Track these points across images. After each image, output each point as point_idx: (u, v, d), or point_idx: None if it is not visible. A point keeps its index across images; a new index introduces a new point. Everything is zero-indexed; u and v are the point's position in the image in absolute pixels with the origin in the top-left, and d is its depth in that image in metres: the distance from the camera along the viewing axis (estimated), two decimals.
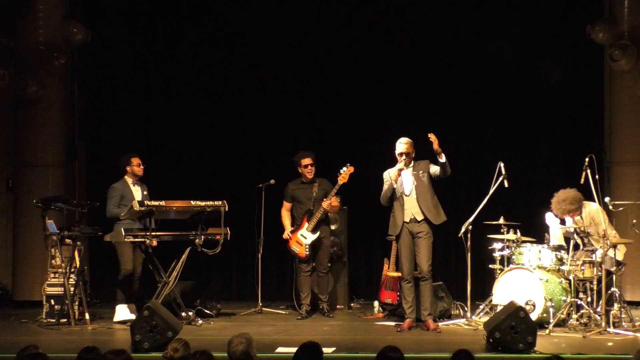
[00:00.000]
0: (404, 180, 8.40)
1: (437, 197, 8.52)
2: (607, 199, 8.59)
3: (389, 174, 8.45)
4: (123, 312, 8.95)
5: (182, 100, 11.32)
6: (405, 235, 8.38)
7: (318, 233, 9.35)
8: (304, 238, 9.36)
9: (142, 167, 9.22)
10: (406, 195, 8.38)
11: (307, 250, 9.35)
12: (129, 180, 9.20)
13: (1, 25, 10.84)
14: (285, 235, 9.45)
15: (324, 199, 9.29)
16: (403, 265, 8.43)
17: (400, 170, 8.31)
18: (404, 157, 8.32)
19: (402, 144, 8.37)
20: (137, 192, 9.16)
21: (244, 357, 4.91)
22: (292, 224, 9.52)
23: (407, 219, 8.36)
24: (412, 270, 8.41)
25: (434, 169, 8.36)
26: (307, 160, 9.38)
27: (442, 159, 8.21)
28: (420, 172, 8.38)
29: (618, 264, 8.44)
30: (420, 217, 8.34)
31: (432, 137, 8.11)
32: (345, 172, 9.14)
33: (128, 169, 9.21)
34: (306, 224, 9.35)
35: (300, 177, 9.51)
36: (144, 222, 8.70)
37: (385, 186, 8.45)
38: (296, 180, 9.54)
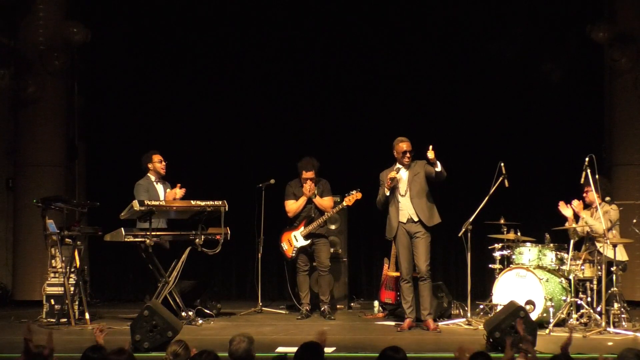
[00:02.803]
0: (400, 181, 8.37)
1: (437, 197, 8.51)
2: (607, 199, 8.58)
3: (386, 175, 8.43)
4: None
5: (182, 100, 11.33)
6: (403, 236, 8.37)
7: (309, 241, 9.34)
8: (295, 240, 9.37)
9: (164, 163, 9.18)
10: (401, 196, 8.36)
11: (294, 252, 9.36)
12: (152, 177, 9.18)
13: (1, 25, 10.84)
14: (307, 191, 9.28)
15: (318, 196, 9.29)
16: (401, 265, 8.43)
17: (393, 179, 8.28)
18: (407, 154, 8.31)
19: (405, 142, 8.36)
20: (160, 190, 9.16)
21: (246, 356, 4.90)
22: (290, 224, 9.51)
23: (403, 220, 8.35)
24: (411, 270, 8.40)
25: (429, 169, 8.34)
26: (308, 174, 9.30)
27: (438, 167, 8.20)
28: (417, 173, 8.37)
29: (619, 263, 8.45)
30: (416, 218, 8.33)
31: (431, 153, 8.13)
32: (353, 196, 9.16)
33: (150, 166, 9.18)
34: (302, 228, 9.35)
35: (299, 179, 9.50)
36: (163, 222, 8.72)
37: (382, 190, 8.44)
38: (296, 181, 9.52)
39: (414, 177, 8.35)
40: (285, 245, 9.43)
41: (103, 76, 11.36)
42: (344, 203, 9.24)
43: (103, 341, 5.15)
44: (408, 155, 8.33)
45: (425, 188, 8.37)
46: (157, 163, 9.16)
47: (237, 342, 4.95)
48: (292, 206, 9.39)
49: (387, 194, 8.33)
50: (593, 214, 8.68)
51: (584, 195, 8.74)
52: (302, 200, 9.34)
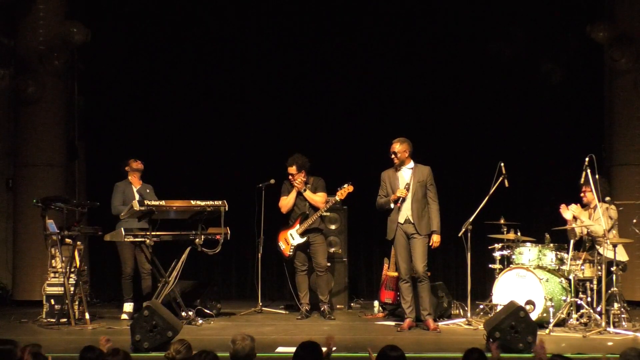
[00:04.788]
0: (401, 181, 8.37)
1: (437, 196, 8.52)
2: (607, 199, 8.58)
3: (387, 175, 8.44)
4: (127, 309, 9.12)
5: (182, 100, 11.33)
6: (401, 236, 8.36)
7: (305, 238, 9.32)
8: (291, 238, 9.36)
9: (139, 161, 9.40)
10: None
11: (291, 250, 9.36)
12: (130, 179, 9.39)
13: (1, 25, 10.83)
14: (299, 184, 9.28)
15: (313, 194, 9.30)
16: (400, 265, 8.43)
17: (396, 199, 8.27)
18: (392, 156, 8.32)
19: (392, 143, 8.37)
20: (137, 192, 9.26)
21: (251, 354, 4.92)
22: (287, 222, 9.52)
23: (401, 220, 8.33)
24: (410, 270, 8.39)
25: (430, 185, 8.37)
26: (289, 170, 9.32)
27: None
28: (419, 180, 8.35)
29: (618, 264, 8.45)
30: (413, 220, 8.32)
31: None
32: (345, 189, 9.14)
33: (127, 169, 9.39)
34: (297, 226, 9.34)
35: None
36: (146, 222, 8.75)
37: (382, 192, 8.43)
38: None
39: (418, 183, 8.35)
40: (282, 245, 9.44)
41: (103, 76, 11.36)
42: (337, 197, 9.22)
43: (105, 349, 5.17)
44: (393, 156, 8.33)
45: (423, 200, 8.37)
46: (133, 162, 9.40)
47: (240, 339, 4.97)
48: (283, 201, 9.41)
49: (392, 206, 8.32)
50: (591, 215, 8.68)
51: (582, 195, 8.75)
52: (293, 195, 9.33)
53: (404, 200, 8.31)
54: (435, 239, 8.33)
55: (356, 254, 10.97)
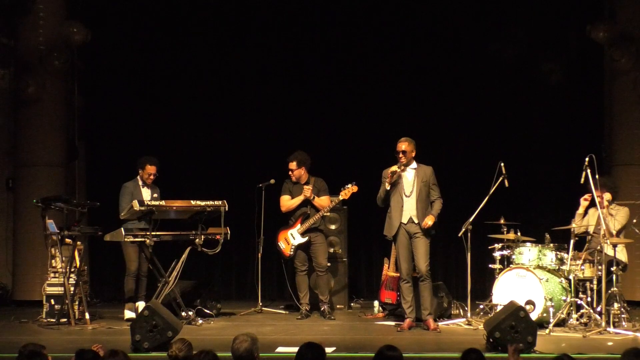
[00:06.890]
0: (405, 181, 8.38)
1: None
2: (608, 199, 8.57)
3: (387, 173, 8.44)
4: (129, 312, 9.10)
5: (182, 99, 11.32)
6: (403, 236, 8.36)
7: (306, 238, 9.32)
8: (292, 238, 9.36)
9: (152, 177, 9.20)
10: (406, 196, 8.35)
11: (292, 250, 9.35)
12: (139, 181, 9.25)
13: (1, 25, 10.84)
14: (308, 193, 9.28)
15: (315, 196, 9.27)
16: (401, 265, 8.42)
17: (394, 172, 8.28)
18: (400, 154, 8.31)
19: (400, 142, 8.37)
20: (147, 194, 9.18)
21: (247, 355, 4.92)
22: (286, 222, 9.51)
23: (404, 220, 8.34)
24: (411, 270, 8.40)
25: (433, 184, 8.38)
26: (289, 165, 9.33)
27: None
28: (423, 180, 8.36)
29: (618, 263, 8.45)
30: (417, 220, 8.33)
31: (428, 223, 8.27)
32: (349, 189, 9.14)
33: (140, 172, 9.24)
34: (298, 226, 9.34)
35: None
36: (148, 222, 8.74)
37: (383, 187, 8.43)
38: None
39: (422, 182, 8.36)
40: (282, 244, 9.43)
41: (103, 76, 11.36)
42: (340, 197, 9.22)
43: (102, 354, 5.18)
44: (401, 155, 8.32)
45: (427, 199, 8.39)
46: (146, 175, 9.19)
47: (239, 341, 4.98)
48: (287, 202, 9.39)
49: (388, 188, 8.33)
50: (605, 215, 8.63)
51: (598, 199, 8.61)
52: (298, 200, 9.31)
53: (396, 191, 8.30)
54: (429, 220, 8.26)
55: (356, 254, 10.96)
